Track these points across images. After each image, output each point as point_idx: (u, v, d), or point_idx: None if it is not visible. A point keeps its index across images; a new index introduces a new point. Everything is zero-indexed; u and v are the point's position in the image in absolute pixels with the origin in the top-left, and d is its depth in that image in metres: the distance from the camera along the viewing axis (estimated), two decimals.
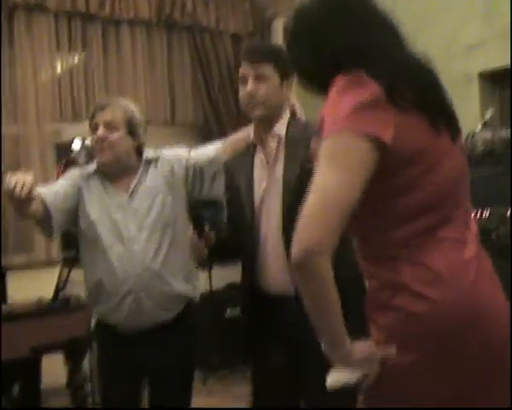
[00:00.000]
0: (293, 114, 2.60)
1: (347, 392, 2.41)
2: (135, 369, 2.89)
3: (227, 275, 5.36)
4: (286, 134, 2.54)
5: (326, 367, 2.36)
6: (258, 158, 2.58)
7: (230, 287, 5.90)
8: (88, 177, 2.93)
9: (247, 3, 6.91)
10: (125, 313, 2.81)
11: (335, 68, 1.58)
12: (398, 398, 1.58)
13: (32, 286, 4.61)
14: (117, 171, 2.89)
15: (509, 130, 4.35)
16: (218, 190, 2.88)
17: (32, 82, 5.57)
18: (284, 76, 2.52)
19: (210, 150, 2.93)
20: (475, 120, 4.52)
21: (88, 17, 5.88)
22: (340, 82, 1.56)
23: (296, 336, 2.47)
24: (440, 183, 1.58)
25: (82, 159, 6.03)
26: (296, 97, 2.66)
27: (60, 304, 4.27)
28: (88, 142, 5.62)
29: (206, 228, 2.69)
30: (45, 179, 5.59)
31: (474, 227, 1.67)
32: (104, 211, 2.86)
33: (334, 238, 1.46)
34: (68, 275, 4.46)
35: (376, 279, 1.63)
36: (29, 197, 2.44)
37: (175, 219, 2.87)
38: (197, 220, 2.76)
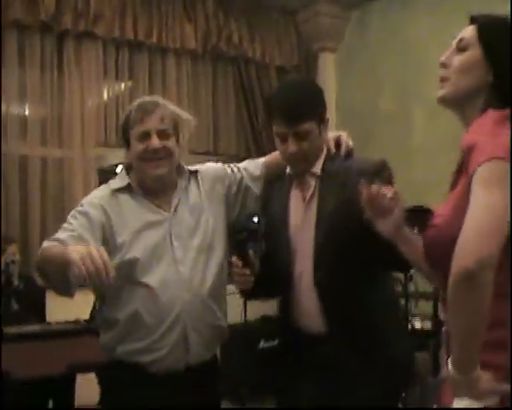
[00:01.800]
0: (329, 149, 2.55)
1: None
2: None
3: (261, 306, 5.34)
4: (322, 171, 2.47)
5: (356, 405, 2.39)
6: (294, 194, 2.56)
7: (264, 319, 5.87)
8: (113, 195, 2.47)
9: (293, 37, 6.97)
10: (169, 348, 2.39)
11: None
12: None
13: (70, 307, 4.64)
14: (156, 187, 2.50)
15: None
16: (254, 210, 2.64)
17: (78, 107, 5.69)
18: (322, 122, 2.42)
19: (255, 167, 2.66)
20: None
21: (135, 45, 6.01)
22: (494, 115, 1.65)
23: (327, 379, 2.41)
24: None
25: None
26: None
27: (95, 325, 4.30)
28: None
29: (251, 254, 2.41)
30: None
31: None
32: (140, 231, 2.42)
33: (497, 256, 1.49)
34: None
35: (492, 315, 1.58)
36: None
37: (220, 242, 2.54)
38: (240, 245, 2.45)
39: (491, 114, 1.65)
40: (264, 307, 5.14)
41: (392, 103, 6.37)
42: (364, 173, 2.20)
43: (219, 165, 2.71)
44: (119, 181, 2.51)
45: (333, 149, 2.49)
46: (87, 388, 4.46)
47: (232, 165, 2.69)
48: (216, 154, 6.48)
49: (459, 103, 1.78)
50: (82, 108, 5.71)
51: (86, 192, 5.63)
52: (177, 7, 6.21)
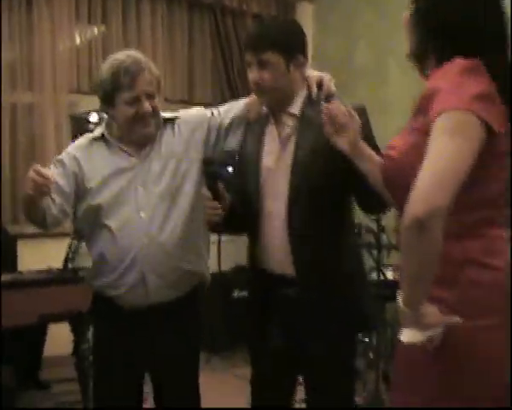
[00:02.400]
0: (310, 93, 2.52)
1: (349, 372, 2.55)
2: (133, 348, 2.67)
3: (235, 257, 5.36)
4: (302, 113, 2.49)
5: (326, 349, 2.43)
6: (270, 131, 2.55)
7: (238, 269, 5.90)
8: (90, 144, 2.70)
9: None
10: (127, 287, 2.60)
11: (448, 45, 1.75)
12: (469, 365, 1.69)
13: (42, 256, 4.63)
14: (148, 141, 2.68)
15: None
16: (232, 144, 2.72)
17: (49, 51, 5.57)
18: (290, 58, 2.43)
19: (237, 108, 2.72)
20: None
21: None
22: (461, 64, 1.69)
23: (294, 321, 2.47)
24: (505, 179, 1.77)
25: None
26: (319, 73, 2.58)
27: (68, 275, 4.28)
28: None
29: (221, 188, 2.44)
30: (59, 151, 5.59)
31: None
32: (108, 177, 2.63)
33: (451, 204, 1.56)
34: (78, 247, 4.48)
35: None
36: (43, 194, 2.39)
37: (189, 189, 2.66)
38: (210, 177, 2.47)
39: (458, 62, 1.70)
40: (239, 258, 5.16)
41: (368, 56, 6.35)
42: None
43: (201, 110, 2.82)
44: (97, 131, 2.74)
45: (314, 89, 2.48)
46: (58, 338, 4.48)
47: (214, 109, 2.77)
48: (191, 102, 6.39)
49: (424, 58, 1.86)
50: (53, 51, 5.59)
51: (58, 140, 5.60)
52: None
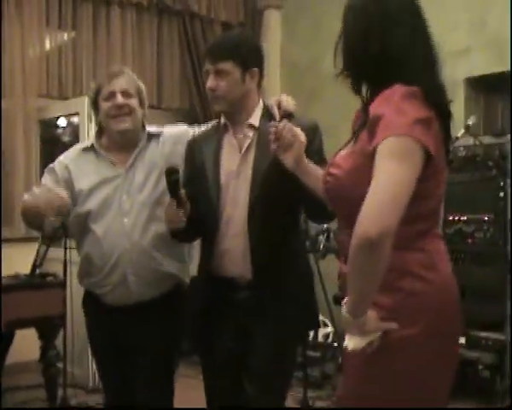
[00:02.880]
0: (266, 106, 2.68)
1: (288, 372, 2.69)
2: (119, 343, 2.89)
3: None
4: (260, 126, 2.62)
5: (274, 351, 2.54)
6: (229, 141, 2.65)
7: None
8: (80, 154, 2.91)
9: None
10: (111, 287, 2.81)
11: (386, 71, 1.86)
12: (400, 367, 1.83)
13: (10, 261, 4.61)
14: (122, 142, 2.86)
15: (490, 137, 4.42)
16: None
17: (19, 57, 5.55)
18: (246, 69, 2.59)
19: None
20: (459, 125, 4.59)
21: None
22: (401, 90, 1.79)
23: (248, 321, 2.58)
24: (441, 194, 1.93)
25: (66, 137, 6.04)
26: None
27: (36, 280, 4.27)
28: (76, 119, 5.64)
29: (183, 196, 2.55)
30: (28, 155, 5.60)
31: None
32: (97, 184, 2.83)
33: (397, 225, 1.69)
34: (46, 252, 4.47)
35: None
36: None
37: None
38: (173, 185, 2.55)
39: (399, 89, 1.80)
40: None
41: (336, 64, 6.38)
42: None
43: (184, 127, 3.01)
44: (87, 142, 2.97)
45: (276, 112, 2.62)
46: (25, 344, 4.46)
47: (196, 127, 2.94)
48: (159, 107, 6.45)
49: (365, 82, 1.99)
50: (23, 56, 5.57)
51: (27, 144, 5.59)
52: None
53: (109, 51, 6.07)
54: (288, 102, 2.67)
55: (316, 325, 2.93)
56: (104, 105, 2.80)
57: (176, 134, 2.93)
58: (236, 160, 2.61)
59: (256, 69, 2.63)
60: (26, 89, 5.58)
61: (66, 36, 5.93)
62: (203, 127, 2.88)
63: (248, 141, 2.61)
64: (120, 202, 2.81)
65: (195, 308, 2.74)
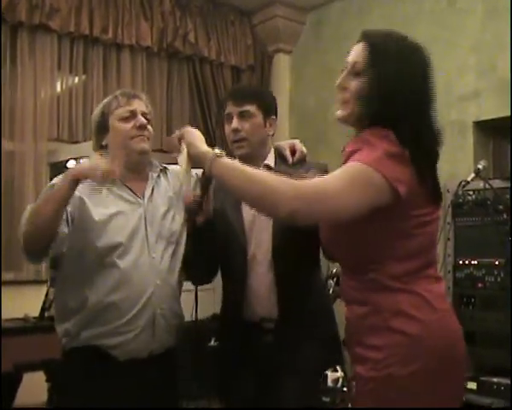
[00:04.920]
0: (279, 151, 2.77)
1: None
2: (124, 398, 2.48)
3: (212, 305, 5.36)
4: (276, 167, 2.67)
5: (301, 390, 2.52)
6: None
7: (214, 317, 5.89)
8: (90, 184, 2.51)
9: (249, 37, 7.00)
10: (137, 331, 2.48)
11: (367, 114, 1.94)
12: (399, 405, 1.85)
13: (19, 304, 4.61)
14: (139, 166, 2.66)
15: (500, 181, 4.41)
16: None
17: (31, 100, 5.60)
18: (267, 115, 2.69)
19: None
20: (469, 168, 4.60)
21: (90, 40, 5.95)
22: (376, 131, 1.88)
23: (275, 362, 2.58)
24: (431, 234, 1.98)
25: None
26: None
27: (45, 323, 4.26)
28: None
29: (209, 194, 2.54)
30: (37, 197, 5.61)
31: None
32: (116, 214, 2.54)
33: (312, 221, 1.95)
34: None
35: (371, 305, 1.92)
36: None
37: (182, 238, 2.67)
38: (206, 180, 2.48)
39: (369, 131, 1.91)
40: (215, 306, 5.16)
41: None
42: (309, 170, 2.60)
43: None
44: None
45: (289, 156, 2.67)
46: (33, 387, 4.44)
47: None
48: (169, 151, 6.45)
49: (356, 123, 2.01)
50: (35, 101, 5.61)
51: (37, 187, 5.60)
52: (134, 4, 6.17)
53: None
54: (301, 145, 2.77)
55: (342, 359, 2.92)
56: (122, 126, 2.60)
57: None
58: None
59: (274, 117, 2.73)
60: (36, 132, 5.61)
61: (77, 79, 5.98)
62: None
63: None
64: (146, 234, 2.57)
65: (223, 352, 2.76)
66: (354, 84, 1.97)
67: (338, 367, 5.05)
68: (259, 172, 1.91)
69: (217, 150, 1.99)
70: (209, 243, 2.59)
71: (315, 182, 1.85)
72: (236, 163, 1.97)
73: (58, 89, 5.89)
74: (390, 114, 1.90)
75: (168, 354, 2.62)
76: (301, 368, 2.56)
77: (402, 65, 1.92)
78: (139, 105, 2.66)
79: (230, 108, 2.67)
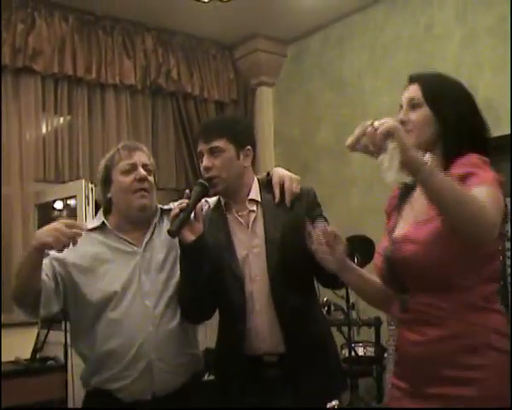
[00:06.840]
0: (261, 180, 2.70)
1: None
2: None
3: (204, 340, 5.33)
4: (261, 199, 2.63)
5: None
6: (234, 220, 2.63)
7: (208, 352, 5.86)
8: (87, 233, 2.60)
9: (231, 72, 7.08)
10: (135, 376, 2.54)
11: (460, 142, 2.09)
12: None
13: (10, 346, 4.57)
14: (138, 220, 2.68)
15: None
16: None
17: (16, 142, 5.61)
18: (240, 147, 2.59)
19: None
20: None
21: (74, 80, 5.99)
22: (476, 156, 2.02)
23: (280, 396, 2.53)
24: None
25: (63, 219, 6.05)
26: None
27: (36, 365, 4.23)
28: (72, 202, 5.66)
29: (202, 208, 2.56)
30: (26, 239, 5.60)
31: None
32: (111, 263, 2.61)
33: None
34: (46, 336, 4.44)
35: (464, 323, 1.96)
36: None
37: None
38: (202, 189, 2.51)
39: (473, 156, 2.02)
40: (208, 341, 5.14)
41: (329, 136, 6.49)
42: (297, 198, 2.58)
43: None
44: (95, 221, 2.74)
45: (277, 194, 2.62)
46: None
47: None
48: (156, 188, 6.45)
49: (420, 148, 2.04)
50: (20, 142, 5.64)
51: (25, 229, 5.59)
52: (117, 43, 6.23)
53: (105, 133, 6.15)
54: (292, 181, 2.64)
55: (346, 386, 2.93)
56: (123, 179, 2.63)
57: None
58: (246, 236, 2.60)
59: (249, 147, 2.63)
60: (23, 174, 5.62)
61: (62, 120, 6.00)
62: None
63: (253, 215, 2.61)
64: (140, 282, 2.60)
65: (225, 390, 2.67)
66: (415, 114, 2.14)
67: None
68: (466, 192, 1.90)
69: (429, 158, 1.90)
70: (197, 269, 2.51)
71: (484, 203, 1.90)
72: (449, 179, 1.92)
73: (43, 130, 5.91)
74: (458, 136, 2.10)
75: (178, 394, 2.62)
76: (310, 401, 2.54)
77: (455, 92, 2.22)
78: (140, 157, 2.67)
79: (201, 146, 2.60)
